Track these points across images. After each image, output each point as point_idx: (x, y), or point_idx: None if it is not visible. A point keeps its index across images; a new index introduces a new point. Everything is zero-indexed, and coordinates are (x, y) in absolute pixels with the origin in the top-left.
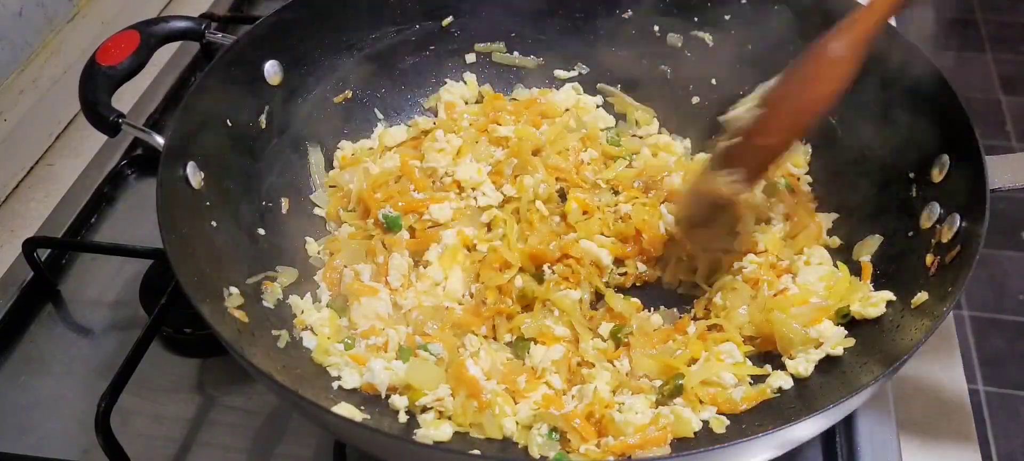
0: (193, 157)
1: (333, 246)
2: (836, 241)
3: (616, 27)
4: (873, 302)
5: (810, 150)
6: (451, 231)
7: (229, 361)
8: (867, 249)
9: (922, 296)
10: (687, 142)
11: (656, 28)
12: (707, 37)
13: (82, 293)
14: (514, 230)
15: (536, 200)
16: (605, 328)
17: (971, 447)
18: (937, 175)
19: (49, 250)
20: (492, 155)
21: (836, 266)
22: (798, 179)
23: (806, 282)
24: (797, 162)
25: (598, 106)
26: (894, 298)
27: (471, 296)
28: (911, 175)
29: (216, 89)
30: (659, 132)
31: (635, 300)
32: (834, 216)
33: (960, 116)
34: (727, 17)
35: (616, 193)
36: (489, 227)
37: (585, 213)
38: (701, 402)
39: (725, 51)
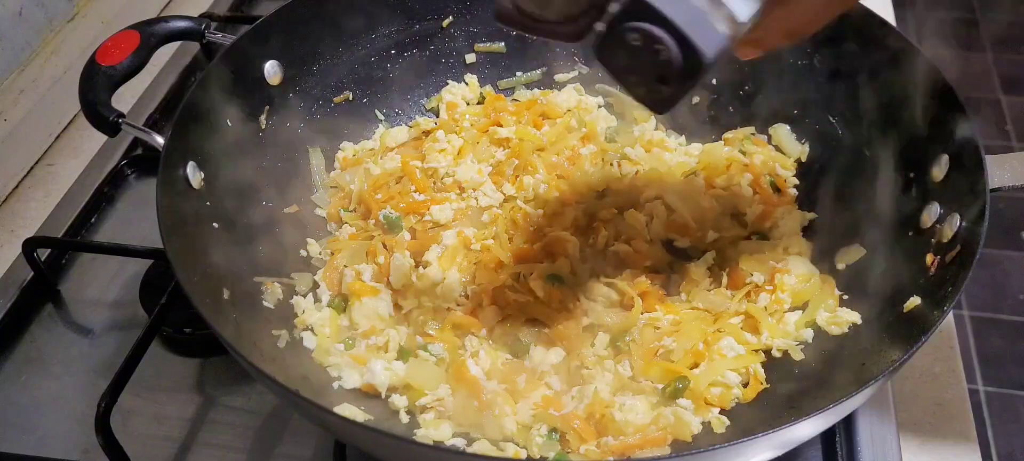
0: (193, 157)
1: (334, 246)
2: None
3: None
4: (838, 320)
5: (808, 150)
6: (452, 232)
7: (229, 361)
8: (844, 259)
9: (917, 298)
10: (682, 138)
11: None
12: None
13: (82, 293)
14: (506, 229)
15: (519, 198)
16: (602, 338)
17: (971, 447)
18: (937, 175)
19: (49, 250)
20: (493, 156)
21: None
22: (785, 180)
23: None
24: (785, 163)
25: (599, 106)
26: (860, 321)
27: (468, 297)
28: (911, 175)
29: (216, 89)
30: (655, 129)
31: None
32: (811, 216)
33: (960, 116)
34: None
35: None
36: (489, 227)
37: (564, 205)
38: (707, 403)
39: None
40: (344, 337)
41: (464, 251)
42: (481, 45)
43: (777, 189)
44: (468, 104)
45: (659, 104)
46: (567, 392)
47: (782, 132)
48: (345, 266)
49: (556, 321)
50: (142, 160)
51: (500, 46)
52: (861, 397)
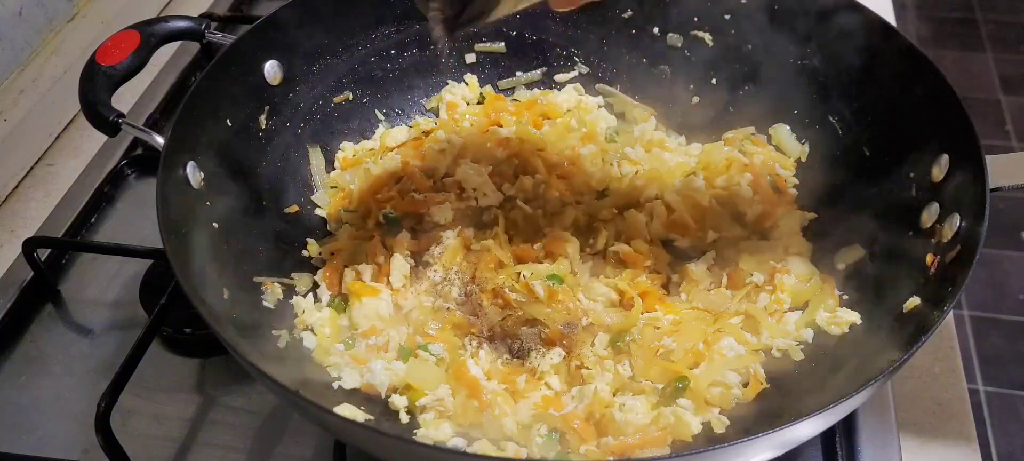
0: (193, 157)
1: (334, 246)
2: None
3: (616, 27)
4: (838, 320)
5: (808, 150)
6: (452, 232)
7: (229, 361)
8: (844, 259)
9: (917, 298)
10: (682, 138)
11: (656, 29)
12: (707, 37)
13: (82, 293)
14: (505, 229)
15: (519, 198)
16: (602, 338)
17: (971, 447)
18: (937, 175)
19: (49, 250)
20: (493, 156)
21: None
22: (785, 180)
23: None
24: (785, 163)
25: (599, 106)
26: (859, 321)
27: (467, 297)
28: (911, 175)
29: (216, 89)
30: (655, 130)
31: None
32: (811, 216)
33: (960, 116)
34: (727, 17)
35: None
36: (489, 227)
37: (564, 205)
38: (707, 403)
39: (725, 51)
40: (344, 337)
41: (464, 251)
42: (481, 45)
43: (777, 189)
44: (468, 104)
45: (443, 23)
46: (567, 392)
47: (782, 132)
48: (345, 266)
49: (556, 321)
50: (142, 160)
51: (500, 46)
52: (861, 397)
